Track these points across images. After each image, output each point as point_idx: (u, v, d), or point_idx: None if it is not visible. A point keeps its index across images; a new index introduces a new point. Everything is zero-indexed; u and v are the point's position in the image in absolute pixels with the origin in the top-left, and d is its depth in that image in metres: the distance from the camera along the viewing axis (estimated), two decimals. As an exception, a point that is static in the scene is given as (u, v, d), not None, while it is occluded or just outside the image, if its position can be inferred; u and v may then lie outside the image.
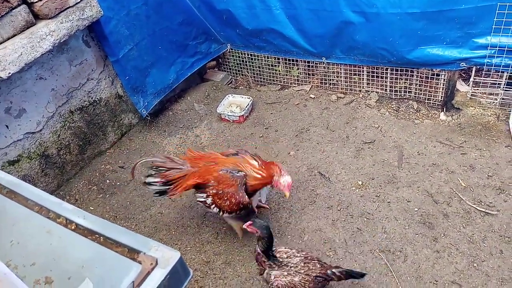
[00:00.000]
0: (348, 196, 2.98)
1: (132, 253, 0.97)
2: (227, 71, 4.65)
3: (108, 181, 3.53)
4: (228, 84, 4.56)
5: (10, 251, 1.05)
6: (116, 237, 1.01)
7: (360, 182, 3.06)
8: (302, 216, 2.91)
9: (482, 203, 2.70)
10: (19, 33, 2.73)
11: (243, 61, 4.41)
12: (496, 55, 3.00)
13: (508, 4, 2.74)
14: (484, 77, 3.26)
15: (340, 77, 3.95)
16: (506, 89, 3.20)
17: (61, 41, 2.90)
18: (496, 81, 3.23)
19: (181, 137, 3.87)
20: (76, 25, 2.96)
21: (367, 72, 3.80)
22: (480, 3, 2.81)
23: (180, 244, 2.87)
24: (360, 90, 3.92)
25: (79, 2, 2.90)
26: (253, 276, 2.60)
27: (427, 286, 2.35)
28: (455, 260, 2.44)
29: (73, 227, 1.07)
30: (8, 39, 2.68)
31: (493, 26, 2.88)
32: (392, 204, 2.86)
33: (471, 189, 2.81)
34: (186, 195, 3.10)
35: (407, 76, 3.62)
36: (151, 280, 0.90)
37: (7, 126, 2.99)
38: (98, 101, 3.66)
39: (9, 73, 2.64)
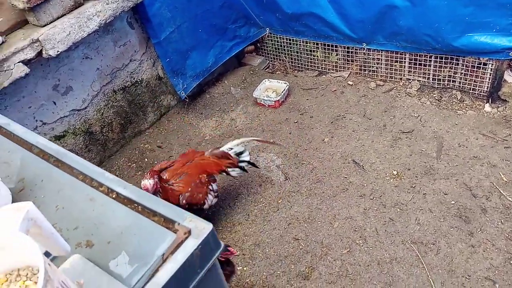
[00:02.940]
0: (382, 186, 2.94)
1: (167, 222, 1.02)
2: (265, 56, 4.64)
3: (146, 159, 3.66)
4: (265, 69, 4.57)
5: (56, 215, 1.13)
6: (154, 207, 1.06)
7: (395, 172, 3.00)
8: (333, 203, 2.90)
9: (525, 200, 2.59)
10: (68, 13, 2.85)
11: (281, 46, 4.39)
12: (550, 44, 2.82)
13: None
14: (535, 67, 3.08)
15: (381, 64, 3.85)
16: (560, 81, 3.01)
17: (107, 21, 3.01)
18: (549, 72, 3.04)
19: (217, 120, 3.93)
20: (121, 6, 3.05)
21: (409, 60, 3.68)
22: (536, -12, 2.65)
23: (212, 223, 2.95)
24: (400, 78, 3.81)
25: (124, -16, 2.98)
26: (282, 258, 2.64)
27: (459, 281, 2.30)
28: (490, 256, 2.37)
29: (114, 196, 1.14)
30: (58, 18, 2.81)
31: (549, 13, 2.71)
32: (428, 196, 2.79)
33: (514, 184, 2.70)
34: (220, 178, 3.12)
35: (452, 64, 3.48)
36: (184, 249, 0.94)
37: (54, 103, 3.16)
38: (139, 82, 3.78)
39: (58, 51, 2.78)
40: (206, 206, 2.67)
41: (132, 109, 3.78)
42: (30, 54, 2.69)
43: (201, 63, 4.03)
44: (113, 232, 1.04)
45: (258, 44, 4.63)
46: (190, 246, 0.95)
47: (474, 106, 3.42)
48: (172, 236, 0.98)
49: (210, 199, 2.69)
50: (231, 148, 2.84)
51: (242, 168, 2.87)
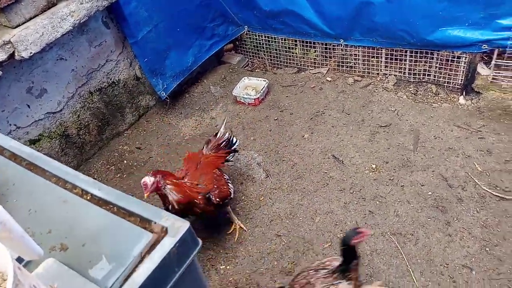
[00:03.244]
0: (361, 180, 2.98)
1: (144, 222, 1.01)
2: (244, 54, 4.64)
3: (125, 161, 3.62)
4: (245, 67, 4.57)
5: (28, 219, 1.11)
6: (129, 207, 1.05)
7: (374, 166, 3.05)
8: (314, 199, 2.93)
9: (498, 188, 2.66)
10: (40, 13, 2.79)
11: (260, 43, 4.39)
12: (519, 37, 2.90)
13: (533, -17, 2.64)
14: (506, 59, 3.17)
15: (358, 60, 3.90)
16: (529, 72, 3.11)
17: (81, 21, 2.95)
18: (519, 64, 3.14)
19: (196, 119, 3.91)
20: (96, 6, 3.00)
21: (386, 55, 3.73)
22: (505, -17, 2.72)
23: (193, 223, 2.94)
24: (377, 73, 3.86)
25: (98, -17, 2.93)
26: (265, 255, 2.65)
27: (438, 269, 2.35)
28: (467, 244, 2.43)
29: (88, 197, 1.12)
30: (30, 19, 2.75)
31: (518, 7, 2.79)
32: (406, 187, 2.85)
33: (487, 173, 2.77)
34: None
35: (427, 58, 3.55)
36: (161, 248, 0.94)
37: (28, 106, 3.09)
38: (116, 83, 3.72)
39: (31, 52, 2.71)
40: (232, 196, 2.72)
41: (109, 111, 3.73)
42: (1, 56, 2.62)
43: (180, 63, 3.99)
44: (88, 234, 1.03)
45: (237, 42, 4.63)
46: (167, 245, 0.94)
47: (449, 98, 3.50)
48: (148, 236, 0.97)
49: (232, 187, 2.75)
50: (227, 136, 2.94)
51: (235, 151, 2.97)
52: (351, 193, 2.90)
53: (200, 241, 1.04)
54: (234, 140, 2.97)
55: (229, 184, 2.71)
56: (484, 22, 2.99)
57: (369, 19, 3.44)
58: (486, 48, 3.14)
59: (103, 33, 3.47)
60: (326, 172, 3.09)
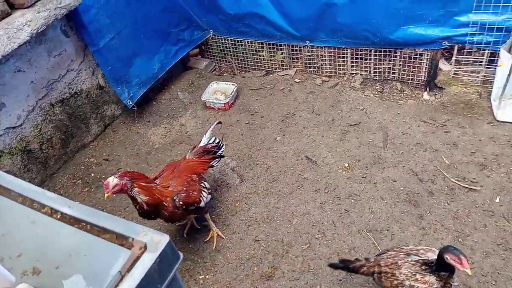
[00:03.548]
0: (335, 179, 3.00)
1: (120, 239, 0.95)
2: (211, 58, 4.60)
3: (93, 174, 3.48)
4: (212, 71, 4.52)
5: (-5, 244, 1.02)
6: (103, 223, 0.99)
7: (346, 165, 3.08)
8: (290, 201, 2.92)
9: (466, 180, 2.75)
10: (-6, 24, 2.64)
11: (226, 47, 4.36)
12: (477, 32, 3.03)
13: (488, -19, 2.76)
14: (466, 55, 3.29)
15: (325, 60, 3.94)
16: (488, 66, 3.24)
17: (39, 31, 2.82)
18: (478, 59, 3.27)
19: (166, 127, 3.83)
20: (54, 14, 2.88)
21: (351, 55, 3.80)
22: (461, -19, 2.83)
23: (169, 234, 2.85)
24: (344, 73, 3.92)
25: (55, -10, 2.81)
26: (244, 262, 2.61)
27: (415, 263, 2.39)
28: (440, 236, 2.49)
29: (58, 216, 1.05)
30: (-18, 30, 2.60)
31: (474, 4, 2.90)
32: (378, 184, 2.89)
33: (455, 166, 2.86)
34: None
35: (391, 57, 3.64)
36: (141, 265, 0.89)
37: (-14, 121, 2.92)
38: (79, 93, 3.58)
39: (-15, 65, 2.56)
40: (202, 204, 2.59)
41: (73, 122, 3.58)
42: (-48, 70, 2.46)
43: (146, 70, 3.90)
44: (61, 255, 0.96)
45: (203, 47, 4.58)
46: (147, 261, 0.89)
47: (414, 95, 3.60)
48: (126, 253, 0.92)
49: (205, 196, 2.62)
50: (212, 140, 2.87)
51: (221, 156, 2.89)
52: (326, 193, 2.92)
53: (181, 254, 1.00)
54: (221, 144, 2.91)
55: (203, 192, 2.61)
56: (444, 19, 3.10)
57: (333, 20, 3.49)
58: (446, 45, 3.26)
59: (62, 42, 3.33)
60: (300, 174, 3.09)
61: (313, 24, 3.63)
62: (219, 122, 3.04)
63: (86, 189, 3.33)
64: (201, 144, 2.82)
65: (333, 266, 2.24)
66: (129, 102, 3.78)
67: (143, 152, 3.60)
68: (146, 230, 0.94)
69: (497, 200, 2.57)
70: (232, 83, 3.99)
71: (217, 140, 2.88)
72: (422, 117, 3.32)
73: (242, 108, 3.84)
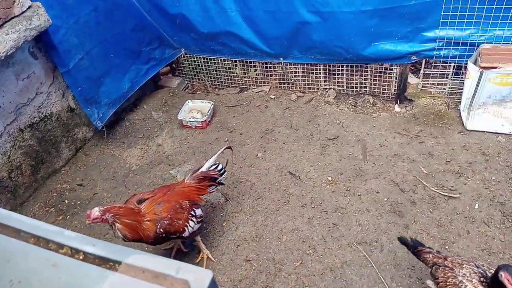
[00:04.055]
0: (320, 193, 3.03)
1: (157, 278, 0.90)
2: (183, 76, 4.55)
3: (67, 201, 3.31)
4: (185, 90, 4.47)
5: (11, 293, 0.93)
6: (134, 262, 0.94)
7: (330, 178, 3.13)
8: (278, 217, 2.92)
9: (445, 188, 2.88)
10: (-41, 48, 2.48)
11: (199, 65, 4.34)
12: (444, 47, 3.21)
13: (453, -2, 2.95)
14: (432, 68, 3.47)
15: (298, 76, 4.02)
16: (454, 78, 3.44)
17: (8, 54, 2.67)
18: (444, 72, 3.46)
19: (142, 148, 3.72)
20: (24, 36, 2.74)
21: (324, 70, 3.89)
22: (428, -1, 3.00)
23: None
24: (318, 88, 4.01)
25: (25, 11, 2.69)
26: (236, 283, 2.56)
27: (406, 273, 2.46)
28: (427, 245, 2.55)
29: (81, 257, 0.98)
30: None
31: (441, 20, 3.08)
32: (363, 196, 2.95)
33: (433, 175, 2.99)
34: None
35: (362, 72, 3.76)
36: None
37: (-51, 151, 2.70)
38: (49, 116, 3.41)
39: (-49, 92, 2.38)
40: (186, 234, 2.45)
41: (43, 147, 3.40)
42: None
43: (116, 89, 3.79)
44: (93, 301, 0.89)
45: (174, 65, 4.53)
46: (194, 301, 0.85)
47: (385, 108, 3.74)
48: (167, 294, 0.87)
49: (192, 226, 2.47)
50: (216, 165, 2.74)
51: (220, 183, 2.78)
52: (312, 207, 2.94)
53: (217, 289, 0.96)
54: (223, 171, 2.78)
55: (190, 221, 2.47)
56: (412, 35, 3.26)
57: (307, 38, 3.57)
58: (414, 59, 3.42)
59: (30, 64, 3.17)
60: (285, 189, 3.10)
61: (287, 42, 3.70)
62: (229, 147, 2.96)
63: (61, 217, 3.15)
64: (203, 168, 2.69)
65: (402, 240, 2.24)
66: (98, 123, 3.65)
67: (120, 175, 3.47)
68: (184, 266, 0.90)
69: (476, 207, 2.71)
70: (208, 101, 3.96)
71: (220, 166, 2.75)
72: (396, 128, 3.45)
73: (220, 126, 3.81)
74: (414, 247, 2.18)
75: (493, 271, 1.83)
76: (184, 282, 0.88)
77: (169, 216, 2.37)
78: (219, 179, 2.74)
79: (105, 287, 0.91)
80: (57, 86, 3.44)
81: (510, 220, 2.61)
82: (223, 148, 2.90)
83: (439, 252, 2.10)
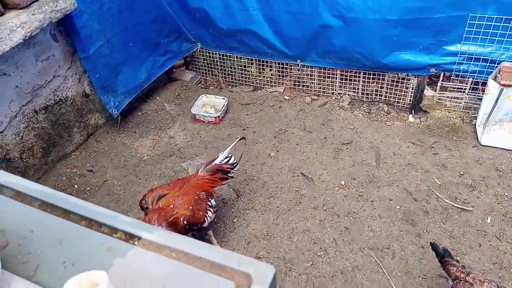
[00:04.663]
0: (333, 196, 3.04)
1: (216, 269, 0.90)
2: (196, 71, 4.54)
3: (76, 186, 3.29)
4: (198, 84, 4.46)
5: (66, 275, 0.92)
6: (192, 250, 0.94)
7: (342, 182, 3.14)
8: (289, 217, 2.92)
9: (458, 200, 2.90)
10: (-15, 24, 2.45)
11: (213, 61, 4.33)
12: (464, 62, 3.23)
13: (478, 15, 2.97)
14: (450, 82, 3.50)
15: (314, 80, 4.02)
16: (470, 93, 3.46)
17: (33, 34, 2.65)
18: (461, 86, 3.48)
19: (153, 139, 3.71)
20: (49, 17, 2.72)
21: (340, 76, 3.91)
22: (454, 13, 3.01)
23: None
24: (332, 93, 4.02)
25: (53, -7, 2.66)
26: None
27: (417, 281, 2.47)
28: (439, 255, 2.59)
29: (136, 243, 0.98)
30: (-27, 29, 2.40)
31: (464, 35, 3.10)
32: (375, 202, 2.97)
33: (446, 187, 3.01)
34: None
35: (378, 79, 3.78)
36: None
37: (-34, 127, 2.67)
38: (64, 100, 3.39)
39: (-25, 68, 2.36)
40: (206, 224, 2.48)
41: (55, 131, 3.38)
42: None
43: (133, 79, 3.77)
44: (154, 287, 0.89)
45: (188, 59, 4.52)
46: (258, 294, 0.84)
47: (399, 117, 3.76)
48: (228, 285, 0.87)
49: (210, 216, 2.51)
50: (229, 158, 2.76)
51: (230, 176, 2.80)
52: (324, 210, 2.95)
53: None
54: (236, 165, 2.81)
55: (208, 212, 2.52)
56: (434, 47, 3.28)
57: (327, 42, 3.58)
58: (434, 71, 3.44)
59: (51, 47, 3.15)
60: (297, 190, 3.10)
61: (306, 44, 3.70)
62: (243, 137, 2.97)
63: (70, 203, 3.13)
64: (217, 161, 2.72)
65: (434, 246, 2.23)
66: (114, 111, 3.63)
67: (131, 164, 3.45)
68: (247, 259, 0.90)
69: (489, 221, 2.73)
70: (222, 97, 3.96)
71: (234, 160, 2.79)
72: (411, 138, 3.47)
73: (233, 123, 3.81)
74: (443, 256, 2.19)
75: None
76: (246, 275, 0.88)
77: (191, 207, 2.39)
78: (231, 173, 2.78)
79: (162, 273, 0.92)
80: (74, 70, 3.41)
81: (521, 237, 2.64)
82: (237, 140, 2.92)
83: (464, 267, 2.11)
